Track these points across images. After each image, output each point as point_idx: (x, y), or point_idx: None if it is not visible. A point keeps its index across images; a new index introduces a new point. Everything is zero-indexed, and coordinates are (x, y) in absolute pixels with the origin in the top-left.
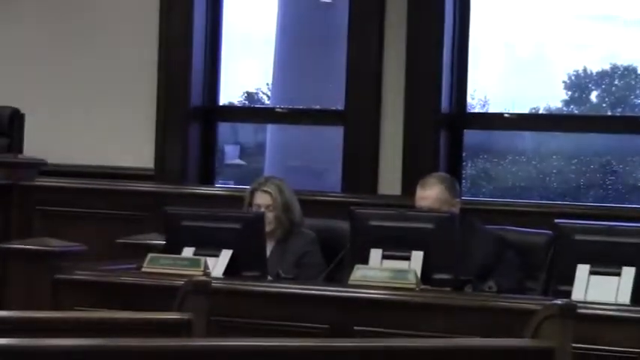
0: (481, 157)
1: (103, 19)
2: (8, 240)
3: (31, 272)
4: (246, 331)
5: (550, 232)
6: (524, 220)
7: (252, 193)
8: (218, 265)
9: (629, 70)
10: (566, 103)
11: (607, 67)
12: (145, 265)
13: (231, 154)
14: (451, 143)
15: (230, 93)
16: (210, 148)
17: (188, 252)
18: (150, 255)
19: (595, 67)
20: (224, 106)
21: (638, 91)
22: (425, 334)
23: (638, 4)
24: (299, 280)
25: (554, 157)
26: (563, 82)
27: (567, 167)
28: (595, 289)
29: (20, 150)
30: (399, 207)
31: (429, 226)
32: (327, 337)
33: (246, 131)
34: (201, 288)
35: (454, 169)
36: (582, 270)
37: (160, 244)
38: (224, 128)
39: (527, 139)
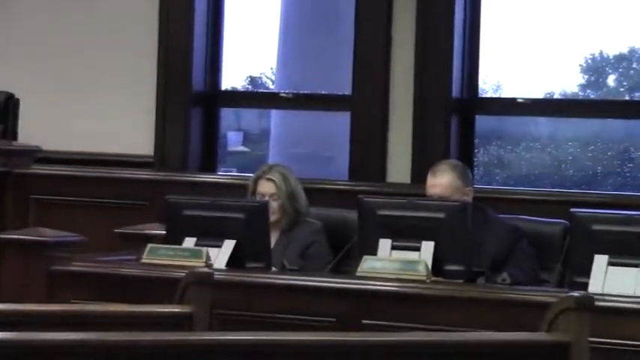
0: (494, 143)
1: (101, 1)
2: (4, 230)
3: (25, 263)
4: (250, 324)
5: (566, 221)
6: (538, 209)
7: (256, 181)
8: (220, 256)
9: None
10: (583, 87)
11: (625, 50)
12: (144, 256)
13: (234, 141)
14: (462, 129)
15: (233, 77)
16: (212, 135)
17: (189, 242)
18: (150, 245)
19: (612, 51)
20: (226, 91)
21: None
22: (436, 327)
23: None
24: (305, 272)
25: (569, 143)
26: (580, 65)
27: (583, 154)
28: (613, 280)
29: (14, 136)
30: (409, 195)
31: (440, 215)
32: (334, 331)
33: (250, 117)
34: (203, 280)
35: (466, 156)
36: (600, 261)
37: (160, 234)
38: (226, 114)
39: (541, 124)
